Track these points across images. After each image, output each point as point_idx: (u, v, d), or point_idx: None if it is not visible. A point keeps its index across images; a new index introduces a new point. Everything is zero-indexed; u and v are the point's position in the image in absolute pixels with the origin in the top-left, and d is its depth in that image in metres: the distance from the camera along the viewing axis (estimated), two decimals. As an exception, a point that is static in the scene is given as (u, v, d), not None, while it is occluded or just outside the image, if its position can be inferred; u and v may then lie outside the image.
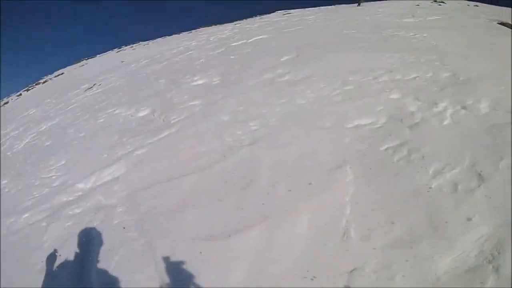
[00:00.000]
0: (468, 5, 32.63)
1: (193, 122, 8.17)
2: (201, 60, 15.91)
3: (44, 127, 13.75)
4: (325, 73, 9.22)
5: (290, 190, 4.81)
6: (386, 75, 8.35)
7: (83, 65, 40.09)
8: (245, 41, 18.58)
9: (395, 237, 3.74)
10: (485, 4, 34.62)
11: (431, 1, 35.19)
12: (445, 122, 5.88)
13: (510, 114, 5.81)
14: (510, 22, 20.81)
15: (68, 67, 43.95)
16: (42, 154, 10.08)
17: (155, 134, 8.17)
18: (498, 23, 20.21)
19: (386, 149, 5.39)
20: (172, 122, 8.70)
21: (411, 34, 13.77)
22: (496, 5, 36.23)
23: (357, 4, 32.89)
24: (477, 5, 32.84)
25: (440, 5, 31.05)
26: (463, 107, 6.25)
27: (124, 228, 5.05)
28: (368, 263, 3.58)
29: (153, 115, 9.85)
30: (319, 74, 9.29)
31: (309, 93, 8.11)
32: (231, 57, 14.98)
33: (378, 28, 15.80)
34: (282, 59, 11.92)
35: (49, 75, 42.16)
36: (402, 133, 5.71)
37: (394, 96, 7.16)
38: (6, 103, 33.25)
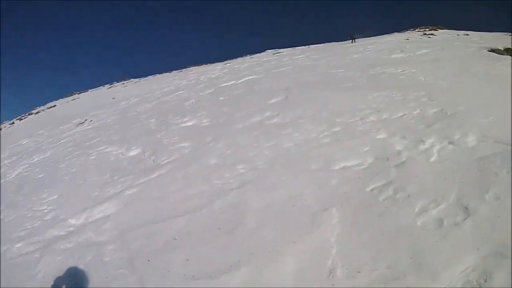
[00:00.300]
0: (458, 34, 33.13)
1: (182, 164, 8.28)
2: (191, 101, 16.27)
3: (36, 159, 13.75)
4: (313, 115, 9.44)
5: (276, 233, 4.89)
6: (373, 115, 8.56)
7: (74, 99, 40.51)
8: (234, 81, 18.98)
9: (380, 274, 3.79)
10: (477, 32, 35.17)
11: (421, 33, 35.74)
12: (432, 159, 6.00)
13: (498, 144, 5.97)
14: (500, 48, 21.14)
15: (60, 100, 44.23)
16: (34, 186, 10.05)
17: (145, 175, 8.25)
18: (488, 50, 20.53)
19: (372, 189, 5.49)
20: (162, 163, 8.80)
21: (400, 70, 14.16)
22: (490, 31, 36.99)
23: (351, 41, 34.25)
24: (467, 34, 33.32)
25: (429, 37, 31.57)
26: (450, 142, 6.40)
27: (115, 265, 5.06)
28: None
29: (144, 155, 9.97)
30: (307, 116, 9.50)
31: (297, 136, 8.28)
32: (221, 98, 15.29)
33: (366, 66, 16.19)
34: (271, 101, 12.21)
35: (42, 107, 42.21)
36: (388, 173, 5.82)
37: (381, 136, 7.34)
38: (-1, 129, 33.21)
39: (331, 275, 3.91)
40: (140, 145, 10.94)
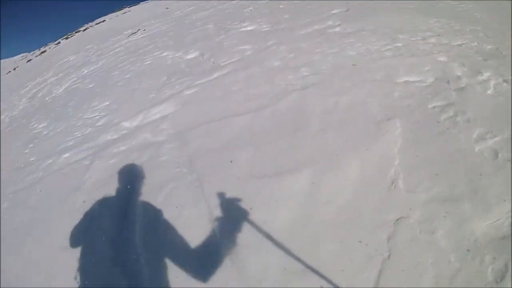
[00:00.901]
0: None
1: (244, 66, 8.22)
2: (250, 8, 15.78)
3: (86, 71, 13.83)
4: (375, 29, 9.20)
5: (340, 138, 4.92)
6: (433, 38, 8.31)
7: (125, 13, 40.20)
8: None
9: (438, 192, 3.84)
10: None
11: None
12: (489, 92, 5.88)
13: None
14: None
15: (110, 15, 43.98)
16: (84, 96, 10.12)
17: (205, 76, 8.23)
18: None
19: (434, 107, 5.44)
20: (222, 64, 8.69)
21: (456, 2, 13.51)
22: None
23: None
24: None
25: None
26: (505, 81, 6.24)
27: (173, 164, 5.14)
28: (413, 214, 3.71)
29: (202, 58, 9.85)
30: (369, 29, 9.26)
31: (360, 46, 8.09)
32: (280, 6, 14.78)
33: None
34: (332, 12, 11.85)
35: (90, 23, 42.38)
36: (449, 95, 5.74)
37: (441, 59, 7.12)
38: (44, 52, 33.40)
39: (393, 185, 4.01)
40: (198, 49, 10.86)
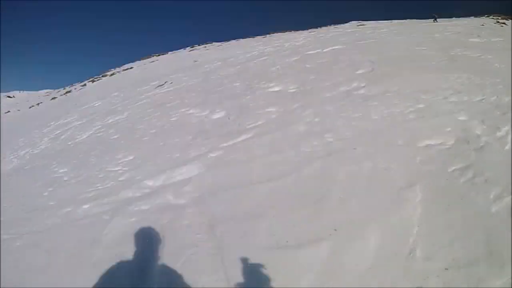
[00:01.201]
0: (528, 25, 31.90)
1: (269, 129, 8.27)
2: (277, 67, 15.92)
3: (111, 121, 13.88)
4: (398, 90, 9.36)
5: (361, 207, 4.92)
6: (454, 96, 8.45)
7: (153, 61, 40.64)
8: (320, 50, 18.57)
9: (454, 259, 3.84)
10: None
11: (495, 21, 34.72)
12: (507, 147, 5.96)
13: None
14: None
15: (137, 62, 44.63)
16: (108, 147, 10.13)
17: (230, 138, 8.24)
18: None
19: (453, 170, 5.48)
20: (247, 127, 8.72)
21: (477, 54, 13.81)
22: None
23: (433, 20, 33.98)
24: (540, 25, 32.01)
25: (502, 26, 30.59)
26: (524, 133, 6.31)
27: (193, 229, 5.09)
28: (428, 283, 3.68)
29: (228, 119, 9.86)
30: (393, 90, 9.41)
31: (383, 109, 8.21)
32: (307, 65, 15.00)
33: (446, 47, 15.77)
34: (357, 72, 12.04)
35: (117, 68, 43.13)
36: (468, 155, 5.79)
37: (462, 117, 7.23)
38: (69, 91, 33.99)
39: (411, 254, 3.99)
40: (225, 108, 10.87)
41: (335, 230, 4.53)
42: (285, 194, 5.43)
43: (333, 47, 18.83)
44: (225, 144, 7.91)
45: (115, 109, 16.03)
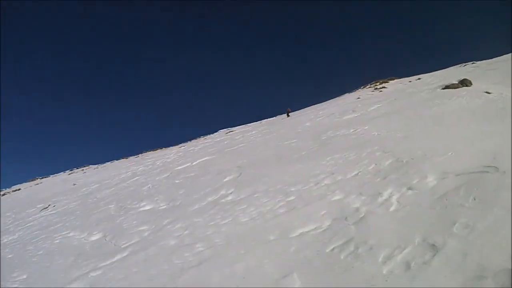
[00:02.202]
0: (410, 81, 34.16)
1: (142, 247, 8.45)
2: (148, 186, 16.80)
3: (5, 240, 13.84)
4: (267, 188, 9.67)
5: None
6: (327, 179, 8.78)
7: (38, 184, 41.46)
8: (189, 164, 19.76)
9: None
10: (430, 73, 36.21)
11: (372, 89, 36.60)
12: (392, 208, 6.09)
13: (460, 177, 6.13)
14: (454, 82, 21.79)
15: (24, 184, 45.39)
16: (6, 265, 10.04)
17: (107, 258, 8.34)
18: (442, 88, 21.24)
19: (332, 249, 5.48)
20: (122, 246, 9.00)
21: (352, 130, 14.72)
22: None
23: (286, 115, 35.71)
24: (419, 78, 34.33)
25: (381, 91, 32.55)
26: (409, 188, 6.55)
27: None
28: None
29: (105, 239, 10.08)
30: (261, 190, 9.73)
31: (252, 210, 8.43)
32: (176, 181, 15.86)
33: (318, 133, 16.89)
34: (224, 180, 12.62)
35: (7, 189, 43.25)
36: (348, 231, 5.84)
37: (337, 197, 7.45)
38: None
39: None
40: (101, 230, 11.17)
41: None
42: None
43: (202, 159, 20.07)
44: (103, 264, 7.99)
45: (8, 229, 16.25)
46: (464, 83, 22.45)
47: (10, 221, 18.45)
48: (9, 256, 11.12)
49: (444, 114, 13.59)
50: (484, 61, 36.15)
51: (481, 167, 6.23)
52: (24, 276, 8.55)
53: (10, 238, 14.00)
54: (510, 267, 3.60)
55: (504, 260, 3.74)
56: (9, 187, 45.29)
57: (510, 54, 34.33)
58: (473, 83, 22.28)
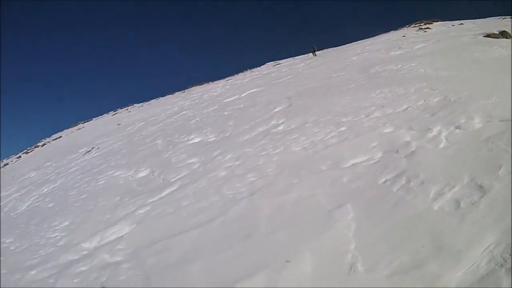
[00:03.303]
0: (453, 25, 33.28)
1: (192, 180, 8.46)
2: (196, 119, 16.64)
3: (46, 190, 13.90)
4: (318, 119, 9.60)
5: (291, 235, 4.81)
6: (377, 111, 8.64)
7: (80, 129, 41.16)
8: (237, 96, 19.48)
9: (400, 264, 3.67)
10: (471, 20, 35.34)
11: (417, 29, 35.77)
12: (441, 145, 5.97)
13: (503, 123, 5.98)
14: (495, 32, 21.34)
15: (65, 131, 44.86)
16: (45, 215, 10.09)
17: (156, 193, 8.40)
18: (483, 36, 20.80)
19: (384, 181, 5.44)
20: (171, 181, 9.02)
21: (399, 66, 14.30)
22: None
23: (312, 54, 33.70)
24: (462, 23, 33.48)
25: (425, 31, 31.78)
26: (457, 127, 6.40)
27: (131, 282, 5.05)
28: None
29: (153, 175, 10.12)
30: (312, 120, 9.66)
31: (304, 140, 8.36)
32: (225, 113, 15.71)
33: (366, 67, 16.56)
34: (274, 110, 12.49)
35: (48, 138, 42.89)
36: (399, 164, 5.78)
37: (387, 130, 7.36)
38: (6, 164, 33.33)
39: (352, 270, 3.79)
40: (149, 166, 11.19)
41: (267, 259, 4.43)
42: (212, 237, 5.42)
43: (250, 91, 19.80)
44: (151, 200, 8.05)
45: (49, 179, 16.17)
46: (504, 34, 22.15)
47: (51, 170, 18.54)
48: (50, 205, 11.25)
49: (487, 60, 13.26)
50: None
51: (524, 116, 6.02)
52: (66, 223, 8.63)
53: (51, 187, 14.10)
54: None
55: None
56: (49, 136, 44.72)
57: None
58: (512, 36, 21.63)
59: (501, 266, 3.22)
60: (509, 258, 3.25)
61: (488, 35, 21.86)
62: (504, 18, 35.26)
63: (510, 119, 6.03)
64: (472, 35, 23.29)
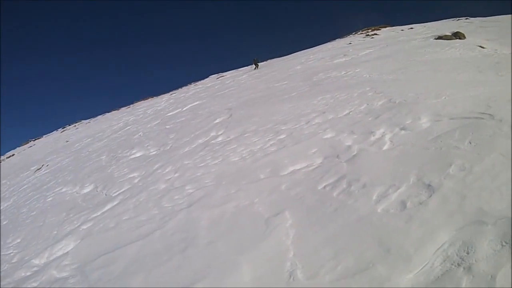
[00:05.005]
0: (402, 30, 33.96)
1: (133, 194, 8.51)
2: (139, 134, 17.01)
3: (1, 207, 13.95)
4: (257, 128, 9.70)
5: (230, 244, 4.79)
6: (318, 118, 8.72)
7: (31, 146, 41.19)
8: (180, 109, 19.95)
9: (345, 269, 3.61)
10: (422, 24, 36.14)
11: (364, 35, 36.28)
12: (385, 147, 6.00)
13: (454, 120, 6.01)
14: (447, 33, 21.77)
15: (18, 148, 45.10)
16: (0, 233, 10.10)
17: (99, 208, 8.45)
18: (435, 38, 21.21)
19: (324, 187, 5.42)
20: (113, 195, 9.11)
21: (343, 72, 14.66)
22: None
23: (254, 67, 32.90)
24: (412, 28, 34.19)
25: (373, 37, 32.29)
26: (402, 128, 6.43)
27: None
28: None
29: (97, 191, 10.21)
30: (251, 129, 9.77)
31: (243, 150, 8.42)
32: (167, 127, 16.05)
33: (309, 75, 16.91)
34: (215, 122, 12.72)
35: (2, 156, 43.03)
36: (340, 168, 5.76)
37: (328, 135, 7.40)
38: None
39: (291, 278, 3.75)
40: (93, 182, 11.31)
41: (206, 269, 4.42)
42: (153, 250, 5.41)
43: (193, 104, 20.24)
44: (94, 215, 8.08)
45: (4, 197, 16.24)
46: (458, 35, 22.43)
47: (5, 188, 18.56)
48: (4, 222, 11.25)
49: (437, 61, 13.52)
50: (477, 18, 36.03)
51: (475, 113, 6.06)
52: (18, 240, 8.65)
53: (5, 205, 14.13)
54: (510, 216, 3.46)
55: (504, 208, 3.60)
56: (3, 154, 44.94)
57: (505, 16, 34.22)
58: (466, 37, 22.13)
59: (458, 265, 3.18)
60: (467, 256, 3.21)
61: (439, 37, 22.29)
62: (458, 20, 36.21)
63: (461, 116, 6.07)
64: (423, 38, 23.74)
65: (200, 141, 10.91)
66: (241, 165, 7.47)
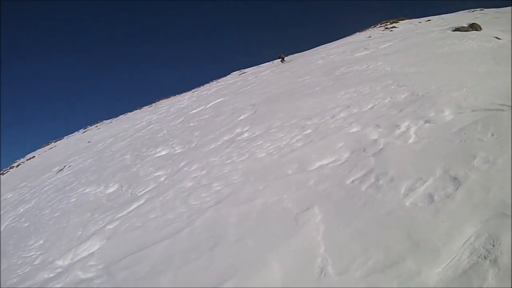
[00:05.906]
0: (420, 22, 33.49)
1: (159, 192, 8.51)
2: (163, 132, 16.81)
3: (22, 210, 13.97)
4: (283, 123, 9.65)
5: (258, 241, 4.77)
6: (343, 112, 8.65)
7: (52, 148, 41.26)
8: (203, 107, 19.70)
9: (375, 263, 3.60)
10: (439, 16, 35.68)
11: (383, 28, 35.91)
12: (410, 141, 5.95)
13: (476, 112, 5.96)
14: (464, 25, 21.52)
15: (38, 150, 44.94)
16: (22, 235, 10.13)
17: (124, 208, 8.45)
18: (452, 30, 20.92)
19: (352, 181, 5.40)
20: (139, 194, 9.11)
21: (365, 66, 14.40)
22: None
23: (280, 60, 32.50)
24: (429, 20, 33.72)
25: (391, 30, 31.80)
26: (426, 121, 6.37)
27: None
28: None
29: (121, 190, 10.20)
30: (277, 125, 9.72)
31: (269, 145, 8.38)
32: (191, 124, 15.83)
33: (331, 69, 16.65)
34: (239, 118, 12.59)
35: (22, 159, 42.90)
36: (367, 163, 5.74)
37: (354, 129, 7.34)
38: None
39: (322, 274, 3.73)
40: (117, 181, 11.26)
41: (235, 267, 4.43)
42: (181, 248, 5.40)
43: (216, 101, 19.98)
44: (120, 214, 8.09)
45: (24, 199, 16.27)
46: (474, 27, 22.05)
47: (26, 191, 18.57)
48: (26, 225, 11.27)
49: (456, 53, 13.33)
50: (491, 9, 35.55)
51: (496, 105, 6.03)
52: (41, 242, 8.66)
53: (26, 207, 14.17)
54: None
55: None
56: (23, 156, 44.80)
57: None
58: (482, 28, 21.80)
59: (485, 258, 3.16)
60: (493, 249, 3.19)
61: (457, 29, 21.93)
62: (473, 11, 35.77)
63: (483, 108, 6.03)
64: (440, 30, 23.40)
65: (225, 138, 10.89)
66: (268, 161, 7.45)
